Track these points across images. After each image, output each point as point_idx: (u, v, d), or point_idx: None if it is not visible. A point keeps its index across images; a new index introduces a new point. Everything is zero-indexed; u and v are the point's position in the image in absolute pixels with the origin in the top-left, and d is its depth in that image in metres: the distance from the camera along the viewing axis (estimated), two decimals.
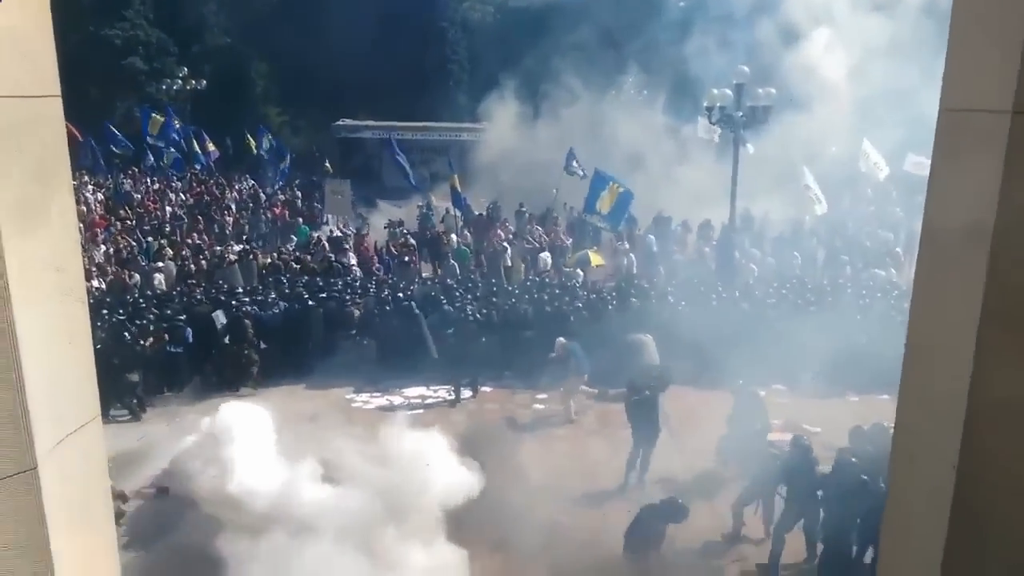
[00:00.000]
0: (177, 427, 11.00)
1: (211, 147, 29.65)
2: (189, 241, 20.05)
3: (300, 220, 23.55)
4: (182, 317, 13.51)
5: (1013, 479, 2.48)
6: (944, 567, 2.62)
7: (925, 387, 2.73)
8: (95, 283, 15.53)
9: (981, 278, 2.38)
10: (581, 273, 17.93)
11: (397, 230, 21.44)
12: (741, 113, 18.84)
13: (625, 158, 23.83)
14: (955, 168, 2.56)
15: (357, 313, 14.38)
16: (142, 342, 12.55)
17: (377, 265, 18.65)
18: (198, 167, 29.60)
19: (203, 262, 17.95)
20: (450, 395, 12.96)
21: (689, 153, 25.38)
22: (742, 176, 19.40)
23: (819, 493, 8.13)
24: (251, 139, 30.17)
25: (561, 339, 12.30)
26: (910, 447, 2.84)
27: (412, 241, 20.13)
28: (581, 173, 21.45)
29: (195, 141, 29.43)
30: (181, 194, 26.60)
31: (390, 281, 16.73)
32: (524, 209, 23.26)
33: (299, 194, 26.85)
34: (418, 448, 8.65)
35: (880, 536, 3.07)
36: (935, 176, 2.65)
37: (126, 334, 12.43)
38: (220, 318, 13.44)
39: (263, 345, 13.49)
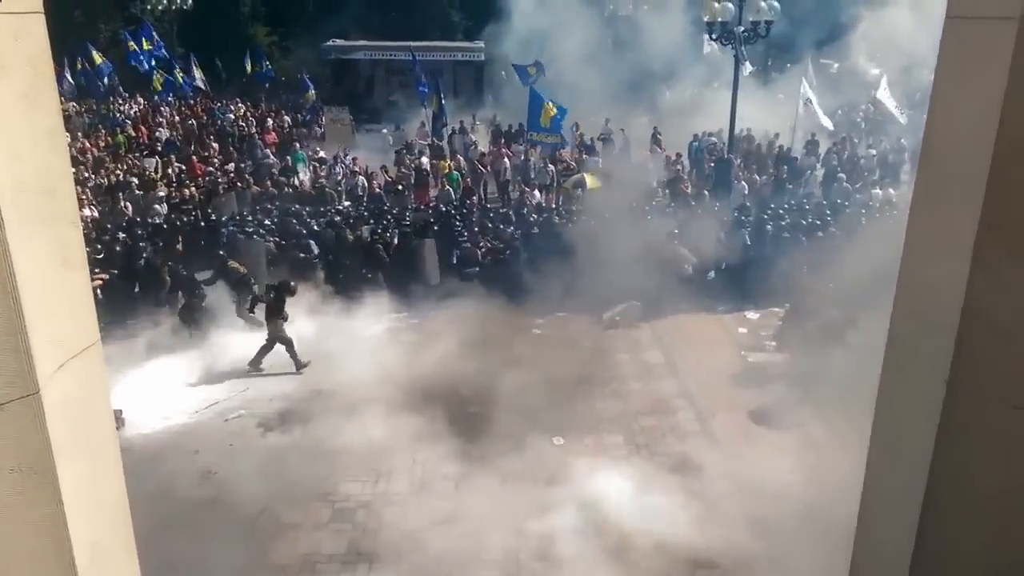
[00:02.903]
0: None
1: (198, 74, 28.94)
2: (178, 168, 19.77)
3: (298, 146, 23.20)
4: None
5: (1004, 392, 2.52)
6: (931, 479, 2.70)
7: (919, 301, 2.75)
8: (87, 211, 15.35)
9: (980, 193, 2.37)
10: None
11: (406, 154, 21.18)
12: (743, 28, 18.33)
13: (626, 78, 23.44)
14: (958, 78, 2.51)
15: (352, 238, 14.23)
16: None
17: (378, 191, 18.46)
18: (188, 91, 28.92)
19: (195, 190, 17.75)
20: None
21: (696, 71, 24.99)
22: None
23: None
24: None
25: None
26: (902, 360, 2.88)
27: (426, 165, 19.99)
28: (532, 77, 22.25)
29: (180, 66, 28.65)
30: (172, 119, 26.07)
31: (386, 208, 16.61)
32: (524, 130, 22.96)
33: (287, 120, 26.32)
34: None
35: (869, 449, 3.14)
36: (938, 87, 2.60)
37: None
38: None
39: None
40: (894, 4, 23.40)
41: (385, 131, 24.22)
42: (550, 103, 17.99)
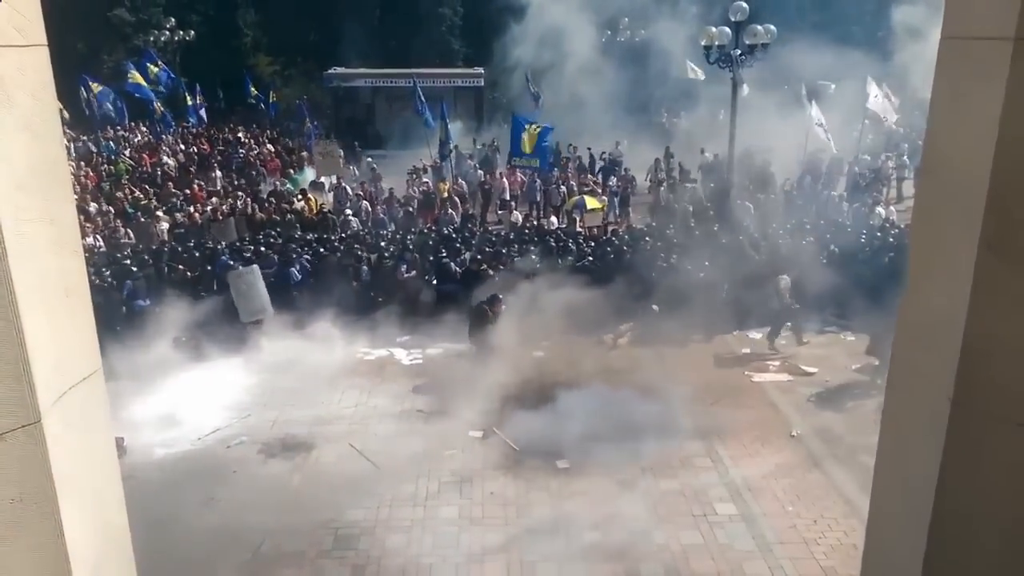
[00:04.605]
0: None
1: (198, 100, 29.28)
2: (179, 195, 19.92)
3: (292, 171, 23.42)
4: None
5: (1008, 409, 2.51)
6: (937, 497, 2.67)
7: (922, 319, 2.74)
8: (89, 239, 15.38)
9: (980, 212, 2.37)
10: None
11: (414, 177, 21.39)
12: (740, 52, 18.52)
13: (625, 103, 23.67)
14: (955, 98, 2.53)
15: (365, 268, 14.27)
16: None
17: (382, 216, 18.58)
18: (190, 121, 29.24)
19: (197, 216, 17.84)
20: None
21: (693, 95, 25.18)
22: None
23: None
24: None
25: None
26: (906, 379, 2.87)
27: (431, 188, 20.18)
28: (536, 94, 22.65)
29: (187, 94, 29.06)
30: (173, 147, 26.28)
31: (390, 233, 16.66)
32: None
33: (283, 146, 26.58)
34: None
35: (875, 467, 3.11)
36: (935, 107, 2.61)
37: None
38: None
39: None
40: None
41: (370, 159, 24.56)
42: (532, 125, 18.46)
